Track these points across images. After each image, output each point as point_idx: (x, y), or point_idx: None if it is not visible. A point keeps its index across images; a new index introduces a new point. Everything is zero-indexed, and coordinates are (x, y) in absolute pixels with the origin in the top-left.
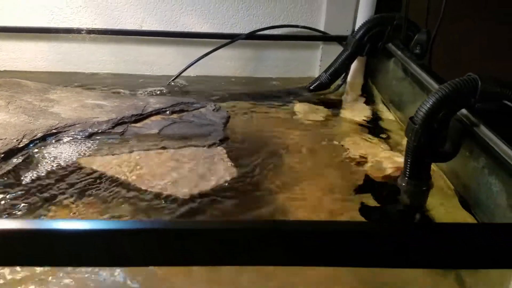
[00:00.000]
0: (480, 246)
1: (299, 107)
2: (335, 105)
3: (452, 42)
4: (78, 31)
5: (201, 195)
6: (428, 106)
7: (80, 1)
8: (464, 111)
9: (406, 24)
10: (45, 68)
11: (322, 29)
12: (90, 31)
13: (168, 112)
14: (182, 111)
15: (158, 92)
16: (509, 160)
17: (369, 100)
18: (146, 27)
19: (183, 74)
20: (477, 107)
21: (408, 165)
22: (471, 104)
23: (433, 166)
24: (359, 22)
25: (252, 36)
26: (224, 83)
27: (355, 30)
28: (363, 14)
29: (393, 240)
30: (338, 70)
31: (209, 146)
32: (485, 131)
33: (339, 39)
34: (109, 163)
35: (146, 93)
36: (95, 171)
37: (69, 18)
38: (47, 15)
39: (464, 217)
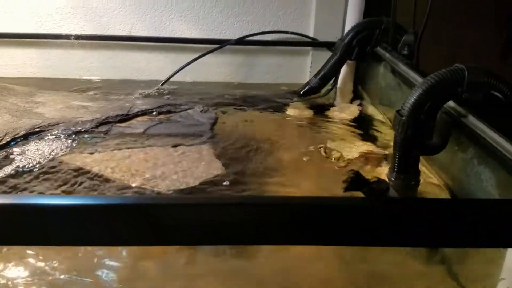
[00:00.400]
0: (467, 222)
1: (289, 110)
2: (324, 108)
3: (446, 39)
4: (67, 37)
5: (186, 189)
6: (414, 97)
7: (69, 7)
8: (451, 103)
9: (394, 27)
10: (34, 74)
11: (311, 35)
12: (80, 37)
13: (154, 113)
14: (169, 112)
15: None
16: (498, 147)
17: (360, 104)
18: (135, 33)
19: (176, 80)
20: (465, 97)
21: (396, 159)
22: (458, 94)
23: (422, 165)
24: (348, 28)
25: (242, 41)
26: (215, 89)
27: (344, 34)
28: (352, 20)
29: (386, 214)
30: (328, 75)
31: (195, 144)
32: (473, 121)
33: (329, 45)
34: (91, 160)
35: (133, 96)
36: (76, 168)
37: (58, 24)
38: (36, 21)
39: None
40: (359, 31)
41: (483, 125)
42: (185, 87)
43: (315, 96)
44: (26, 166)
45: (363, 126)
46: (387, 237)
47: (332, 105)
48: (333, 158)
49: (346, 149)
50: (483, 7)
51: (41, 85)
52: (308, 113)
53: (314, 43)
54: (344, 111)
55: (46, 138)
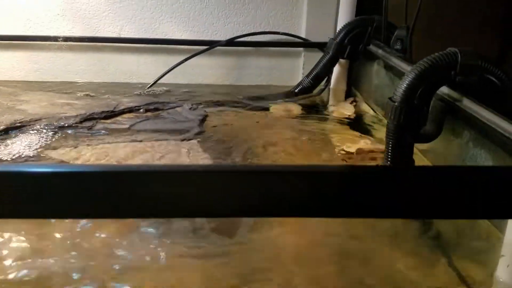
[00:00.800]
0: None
1: (280, 109)
2: (317, 107)
3: (441, 36)
4: (55, 39)
5: None
6: (407, 82)
7: (58, 9)
8: (445, 89)
9: (386, 23)
10: (22, 77)
11: (303, 36)
12: (68, 39)
13: (141, 110)
14: (156, 109)
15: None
16: (494, 126)
17: (353, 101)
18: (125, 35)
19: (168, 82)
20: (458, 81)
21: (390, 148)
22: (452, 77)
23: (416, 157)
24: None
25: (233, 42)
26: (207, 91)
27: (336, 33)
28: (344, 20)
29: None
30: (320, 74)
31: (183, 139)
32: (467, 104)
33: (321, 46)
34: (73, 154)
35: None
36: (56, 162)
37: (47, 26)
38: (24, 23)
39: None
40: (351, 29)
41: (478, 106)
42: (176, 89)
43: (308, 96)
44: (3, 159)
45: (358, 124)
46: (379, 209)
47: (325, 105)
48: (326, 148)
49: (338, 140)
50: (478, 5)
51: (29, 88)
52: (297, 109)
53: (306, 44)
54: (339, 109)
55: (27, 133)
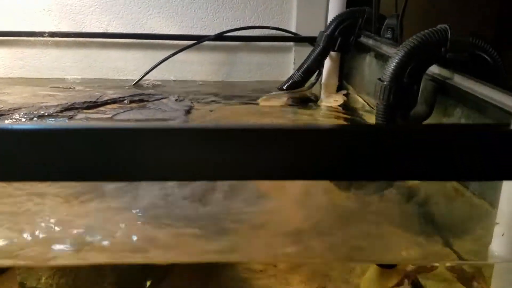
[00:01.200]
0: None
1: (266, 101)
2: (306, 100)
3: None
4: (41, 35)
5: None
6: (396, 60)
7: (44, 4)
8: (435, 69)
9: (377, 15)
10: (6, 74)
11: (293, 31)
12: (54, 35)
13: (126, 101)
14: (141, 101)
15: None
16: (487, 99)
17: (345, 94)
18: (112, 30)
19: (157, 78)
20: (449, 57)
21: None
22: (442, 54)
23: None
24: None
25: (222, 37)
26: (195, 86)
27: (326, 26)
28: (334, 14)
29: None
30: (311, 68)
31: None
32: (458, 80)
33: (311, 40)
34: None
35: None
36: None
37: (32, 22)
38: (9, 19)
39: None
40: (342, 21)
41: (469, 81)
42: (164, 85)
43: (299, 90)
44: None
45: (349, 116)
46: (369, 170)
47: (316, 98)
48: None
49: None
50: (477, 2)
51: (13, 83)
52: (289, 104)
53: (297, 38)
54: (328, 99)
55: (5, 121)
